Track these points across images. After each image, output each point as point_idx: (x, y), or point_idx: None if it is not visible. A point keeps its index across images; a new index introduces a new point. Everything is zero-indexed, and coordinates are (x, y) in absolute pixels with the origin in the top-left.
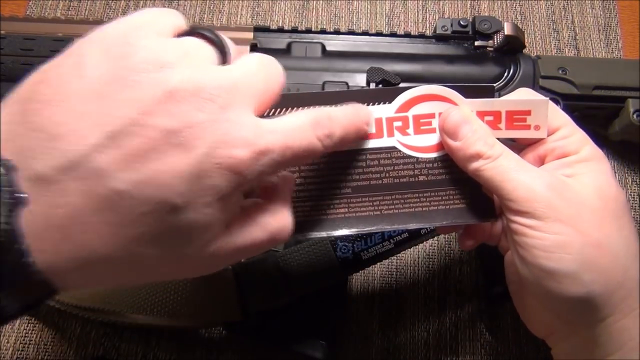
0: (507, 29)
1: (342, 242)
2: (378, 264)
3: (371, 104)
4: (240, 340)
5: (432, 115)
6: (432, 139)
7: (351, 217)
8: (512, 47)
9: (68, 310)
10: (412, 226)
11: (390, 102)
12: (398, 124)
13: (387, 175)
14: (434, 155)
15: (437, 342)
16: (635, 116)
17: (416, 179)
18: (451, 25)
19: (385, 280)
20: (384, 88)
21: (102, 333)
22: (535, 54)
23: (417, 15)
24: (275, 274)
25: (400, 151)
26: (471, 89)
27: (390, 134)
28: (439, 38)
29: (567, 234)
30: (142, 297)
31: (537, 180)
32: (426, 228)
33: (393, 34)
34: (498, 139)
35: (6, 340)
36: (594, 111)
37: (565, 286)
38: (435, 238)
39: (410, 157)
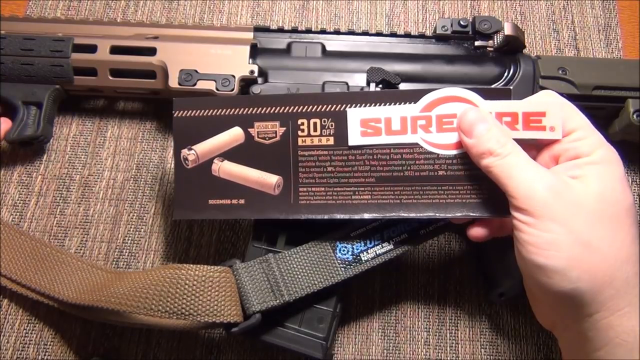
0: (507, 29)
1: (342, 244)
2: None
3: (398, 103)
4: (240, 340)
5: (454, 115)
6: (453, 138)
7: (373, 204)
8: (512, 47)
9: (68, 310)
10: (429, 215)
11: (415, 102)
12: (422, 122)
13: (409, 168)
14: (453, 152)
15: (437, 341)
16: (635, 116)
17: (436, 173)
18: (451, 25)
19: (385, 280)
20: (410, 90)
21: (102, 333)
22: (535, 54)
23: (417, 15)
24: (275, 275)
25: (422, 147)
26: (489, 91)
27: (414, 131)
28: (439, 38)
29: (558, 233)
30: (142, 297)
31: (538, 180)
32: (425, 229)
33: (393, 34)
34: (516, 139)
35: (6, 340)
36: (594, 111)
37: (554, 281)
38: (435, 238)
39: (431, 153)
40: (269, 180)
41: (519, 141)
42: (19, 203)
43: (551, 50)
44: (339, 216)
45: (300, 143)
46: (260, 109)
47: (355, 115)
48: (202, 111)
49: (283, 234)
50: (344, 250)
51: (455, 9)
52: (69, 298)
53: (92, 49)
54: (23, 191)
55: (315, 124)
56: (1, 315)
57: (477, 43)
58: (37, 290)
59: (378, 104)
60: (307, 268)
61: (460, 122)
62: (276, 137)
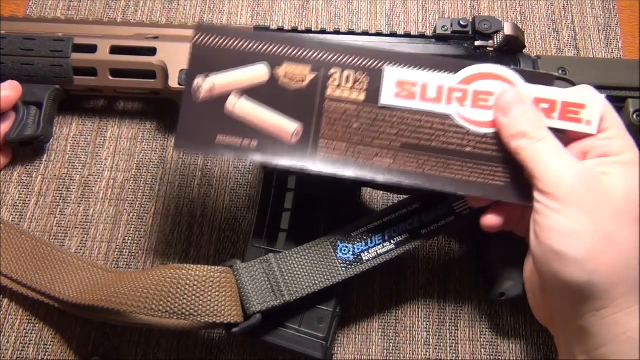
0: (507, 29)
1: (343, 243)
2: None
3: (437, 71)
4: (241, 341)
5: (491, 93)
6: (487, 115)
7: (394, 169)
8: (512, 47)
9: (68, 310)
10: (448, 190)
11: (455, 73)
12: (458, 94)
13: (437, 139)
14: (484, 130)
15: (437, 341)
16: (635, 116)
17: (463, 148)
18: (451, 25)
19: (385, 280)
20: (452, 59)
21: (102, 333)
22: (535, 54)
23: (417, 15)
24: (276, 275)
25: (454, 120)
26: (532, 75)
27: (449, 102)
28: (439, 38)
29: (582, 222)
30: (142, 297)
31: (568, 167)
32: (426, 228)
33: (393, 34)
34: (550, 127)
35: (6, 340)
36: None
37: (570, 270)
38: (435, 238)
39: (462, 127)
40: (287, 127)
41: (552, 130)
42: (19, 203)
43: (551, 50)
44: (354, 174)
45: (329, 93)
46: (292, 49)
47: (393, 74)
48: (228, 41)
49: (283, 234)
50: (345, 250)
51: (455, 9)
52: (69, 298)
53: (92, 49)
54: (23, 191)
55: (348, 76)
56: (1, 315)
57: (477, 43)
58: (37, 290)
59: (417, 68)
60: (307, 268)
61: (498, 100)
62: (304, 82)
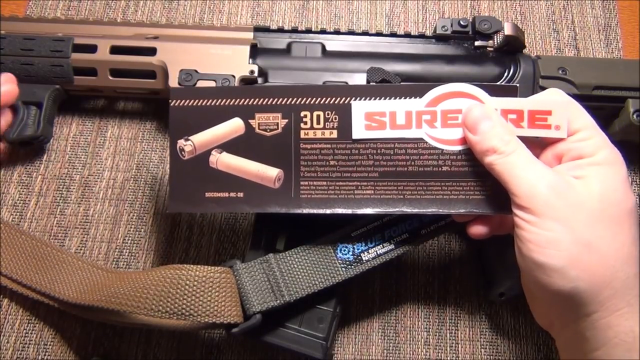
0: (507, 29)
1: (343, 244)
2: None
3: (403, 98)
4: (241, 341)
5: (459, 111)
6: (458, 133)
7: (376, 199)
8: (512, 47)
9: (68, 310)
10: (432, 211)
11: (420, 97)
12: (427, 117)
13: (413, 163)
14: (458, 148)
15: (437, 341)
16: (635, 116)
17: (440, 169)
18: (451, 25)
19: (385, 280)
20: (416, 84)
21: (102, 333)
22: (535, 54)
23: (417, 15)
24: (276, 275)
25: (426, 142)
26: (496, 88)
27: (419, 126)
28: (439, 38)
29: (559, 232)
30: (142, 297)
31: (540, 179)
32: (426, 229)
33: (393, 34)
34: (521, 136)
35: (6, 340)
36: (593, 111)
37: (553, 280)
38: (435, 238)
39: (435, 148)
40: (269, 173)
41: (524, 139)
42: (19, 203)
43: (551, 50)
44: (340, 211)
45: (302, 136)
46: (261, 100)
47: (360, 108)
48: (201, 101)
49: (283, 234)
50: (344, 250)
51: (455, 9)
52: (69, 298)
53: (92, 49)
54: (23, 191)
55: (318, 116)
56: (1, 315)
57: (477, 43)
58: (37, 290)
59: (383, 98)
60: (307, 268)
61: (465, 118)
62: (278, 129)
